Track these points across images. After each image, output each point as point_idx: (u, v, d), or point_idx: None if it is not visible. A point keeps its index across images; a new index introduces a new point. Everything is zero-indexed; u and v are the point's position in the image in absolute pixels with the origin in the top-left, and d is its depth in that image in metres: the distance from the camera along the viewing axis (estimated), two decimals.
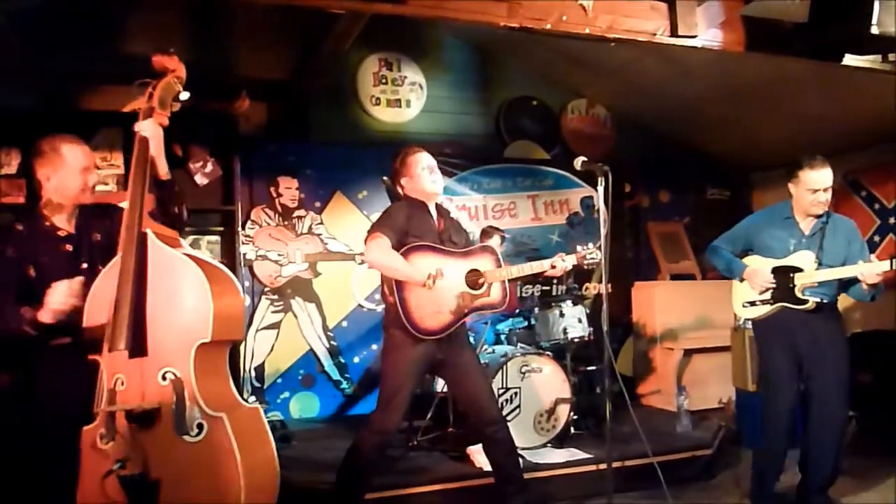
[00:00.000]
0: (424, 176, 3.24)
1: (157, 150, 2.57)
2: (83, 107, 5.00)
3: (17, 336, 2.46)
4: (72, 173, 2.60)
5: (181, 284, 2.37)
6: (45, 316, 2.42)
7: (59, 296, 2.41)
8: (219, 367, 2.48)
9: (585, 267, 3.24)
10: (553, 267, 3.24)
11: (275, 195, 5.50)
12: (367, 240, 3.11)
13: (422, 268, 3.06)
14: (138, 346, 2.33)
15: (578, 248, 3.26)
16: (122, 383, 2.32)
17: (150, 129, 2.55)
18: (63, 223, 2.65)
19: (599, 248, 3.14)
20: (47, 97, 4.88)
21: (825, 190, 3.38)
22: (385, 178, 4.73)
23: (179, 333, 2.33)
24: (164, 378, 2.31)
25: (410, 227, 3.16)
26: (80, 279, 2.45)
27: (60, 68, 4.80)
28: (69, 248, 2.62)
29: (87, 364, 2.38)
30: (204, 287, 2.33)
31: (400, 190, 3.35)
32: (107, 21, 4.77)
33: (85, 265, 2.59)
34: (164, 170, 2.63)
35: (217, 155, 5.27)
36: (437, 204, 3.35)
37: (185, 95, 2.67)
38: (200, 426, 2.27)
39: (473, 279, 3.19)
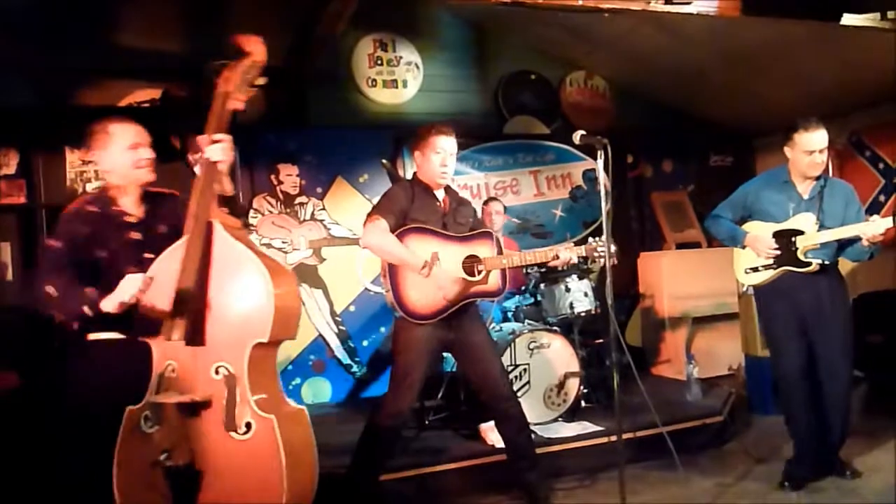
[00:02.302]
0: (434, 160, 3.15)
1: (225, 169, 2.49)
2: (79, 102, 4.99)
3: (71, 317, 2.39)
4: (120, 149, 2.53)
5: (245, 280, 2.31)
6: (108, 305, 2.33)
7: (131, 287, 2.30)
8: (270, 366, 2.43)
9: (594, 260, 3.17)
10: (556, 257, 3.18)
11: (276, 183, 5.50)
12: (365, 223, 3.09)
13: (418, 252, 3.03)
14: (196, 336, 2.28)
15: (590, 239, 3.17)
16: (174, 370, 2.30)
17: (222, 154, 2.44)
18: (131, 207, 2.58)
19: (606, 240, 3.03)
20: (44, 94, 4.87)
21: (821, 151, 3.36)
22: (384, 161, 4.72)
23: (238, 329, 2.28)
24: (216, 372, 2.27)
25: (412, 209, 3.12)
26: (150, 276, 2.34)
27: (56, 64, 4.79)
28: (137, 235, 2.56)
29: (131, 357, 2.34)
30: (267, 286, 2.28)
31: (413, 164, 3.30)
32: (99, 14, 4.75)
33: (150, 255, 2.50)
34: (229, 187, 2.55)
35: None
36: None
37: (262, 81, 2.55)
38: (249, 425, 2.23)
39: (471, 265, 3.14)
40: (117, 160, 2.55)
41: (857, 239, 3.28)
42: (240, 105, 2.50)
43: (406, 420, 3.24)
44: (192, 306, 2.27)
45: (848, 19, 3.79)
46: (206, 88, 2.60)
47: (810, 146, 3.34)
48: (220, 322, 2.30)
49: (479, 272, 3.14)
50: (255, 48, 2.53)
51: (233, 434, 2.23)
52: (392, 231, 3.05)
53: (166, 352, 2.31)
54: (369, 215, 3.10)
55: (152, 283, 2.35)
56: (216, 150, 2.44)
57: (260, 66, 2.53)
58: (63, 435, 2.52)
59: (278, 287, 2.31)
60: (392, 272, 3.06)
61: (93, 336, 2.49)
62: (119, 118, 2.58)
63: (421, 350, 3.11)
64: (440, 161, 3.15)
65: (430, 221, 3.14)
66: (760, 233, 3.51)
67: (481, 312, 3.42)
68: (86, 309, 2.35)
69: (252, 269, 2.31)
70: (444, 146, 3.15)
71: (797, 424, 3.51)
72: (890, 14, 3.83)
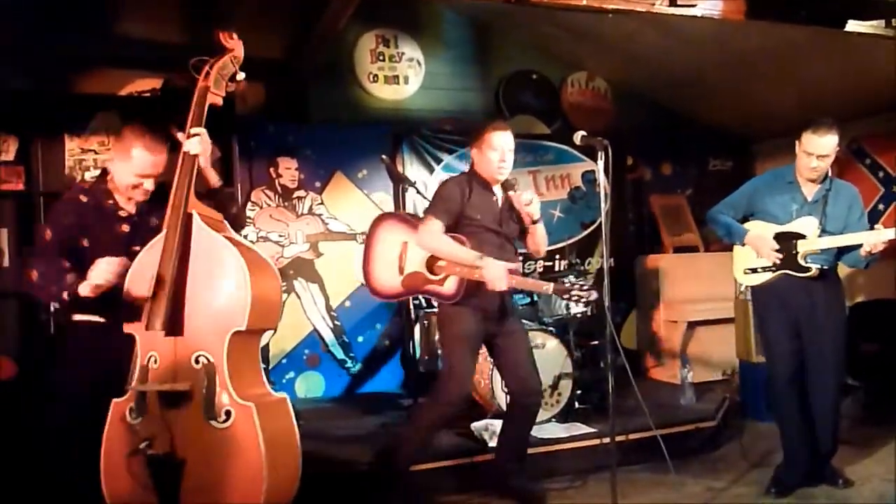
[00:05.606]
0: (493, 157, 3.20)
1: (206, 162, 2.59)
2: (80, 90, 4.97)
3: (52, 300, 2.48)
4: (128, 172, 2.57)
5: (222, 269, 2.38)
6: (84, 289, 2.39)
7: (102, 272, 2.38)
8: (252, 355, 2.49)
9: (567, 301, 3.26)
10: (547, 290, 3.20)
11: (274, 176, 5.48)
12: (422, 222, 3.17)
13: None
14: (175, 326, 2.35)
15: (573, 282, 3.30)
16: (156, 361, 2.36)
17: (199, 147, 2.54)
18: (125, 203, 2.66)
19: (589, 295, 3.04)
20: (43, 81, 4.84)
21: (820, 157, 3.26)
22: (384, 156, 4.70)
23: (216, 318, 2.35)
24: (196, 361, 2.33)
25: (468, 205, 3.17)
26: (124, 259, 2.44)
27: (56, 51, 4.76)
28: (126, 228, 2.64)
29: (115, 342, 2.41)
30: (244, 274, 2.34)
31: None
32: (102, 1, 4.73)
33: (138, 248, 2.57)
34: (213, 180, 2.68)
35: (215, 136, 5.21)
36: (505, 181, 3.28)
37: (241, 76, 2.69)
38: (228, 413, 2.28)
39: (432, 264, 3.20)
40: (123, 175, 2.59)
41: (856, 245, 3.25)
42: (218, 100, 2.62)
43: (458, 411, 3.22)
44: (170, 296, 2.34)
45: (852, 26, 3.77)
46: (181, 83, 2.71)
47: (812, 148, 3.27)
48: (198, 311, 2.36)
49: (438, 272, 3.17)
50: (234, 45, 2.66)
51: (213, 422, 2.28)
52: (447, 227, 3.11)
53: (149, 343, 2.37)
54: (424, 214, 3.23)
55: (133, 271, 2.42)
56: (194, 143, 2.54)
57: (238, 61, 2.66)
58: (52, 421, 2.55)
59: (256, 276, 2.37)
60: (367, 250, 3.28)
61: (77, 317, 2.55)
62: (149, 141, 2.57)
63: (467, 341, 3.17)
64: (498, 157, 3.21)
65: (485, 218, 3.18)
66: (763, 233, 3.47)
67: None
68: (64, 294, 2.40)
69: (230, 258, 2.38)
70: (502, 143, 3.21)
71: (788, 429, 3.49)
72: (895, 22, 3.82)
